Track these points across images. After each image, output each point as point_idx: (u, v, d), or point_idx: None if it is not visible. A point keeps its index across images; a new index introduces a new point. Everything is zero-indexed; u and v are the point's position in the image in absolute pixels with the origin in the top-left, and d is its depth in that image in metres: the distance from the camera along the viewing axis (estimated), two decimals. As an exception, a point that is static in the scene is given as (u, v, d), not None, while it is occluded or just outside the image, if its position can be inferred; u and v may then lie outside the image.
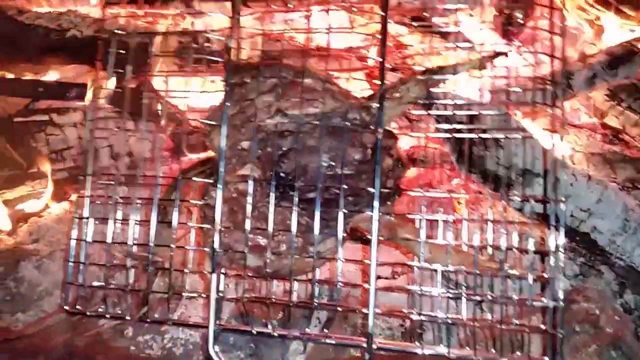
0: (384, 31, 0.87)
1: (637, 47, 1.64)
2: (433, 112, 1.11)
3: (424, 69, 0.93)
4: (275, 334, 0.93)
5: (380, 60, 0.89)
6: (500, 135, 1.19)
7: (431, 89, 0.97)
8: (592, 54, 1.66)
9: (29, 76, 2.02)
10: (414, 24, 1.41)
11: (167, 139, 1.68)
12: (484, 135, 1.16)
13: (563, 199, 0.92)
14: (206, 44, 1.37)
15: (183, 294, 0.97)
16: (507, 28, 1.38)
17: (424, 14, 1.24)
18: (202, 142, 1.24)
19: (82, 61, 1.94)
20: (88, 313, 0.99)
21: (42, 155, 1.70)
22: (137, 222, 0.98)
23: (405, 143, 1.47)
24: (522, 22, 1.44)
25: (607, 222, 1.45)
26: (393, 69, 1.33)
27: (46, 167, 1.71)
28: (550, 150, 1.02)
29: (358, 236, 1.10)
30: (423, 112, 1.17)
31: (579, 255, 1.55)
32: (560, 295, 0.93)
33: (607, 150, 1.70)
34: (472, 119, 1.35)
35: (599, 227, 1.46)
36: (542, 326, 0.94)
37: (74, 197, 1.83)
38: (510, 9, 1.47)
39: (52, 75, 2.02)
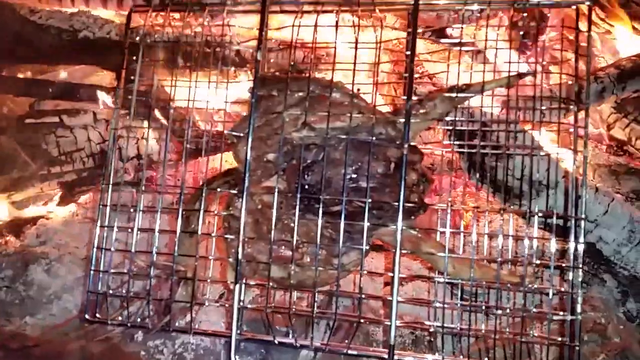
0: (412, 48, 0.89)
1: (646, 61, 1.67)
2: (450, 127, 1.14)
3: (450, 86, 0.94)
4: (298, 344, 0.94)
5: (408, 76, 0.90)
6: (521, 152, 1.21)
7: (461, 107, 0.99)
8: (602, 68, 1.69)
9: (37, 76, 2.02)
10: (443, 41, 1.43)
11: (177, 143, 1.69)
12: (506, 152, 1.18)
13: (584, 216, 0.93)
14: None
15: (205, 303, 0.97)
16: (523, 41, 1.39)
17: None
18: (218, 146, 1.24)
19: (93, 62, 1.94)
20: (109, 322, 0.99)
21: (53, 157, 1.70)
22: (160, 231, 0.99)
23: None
24: (535, 36, 1.46)
25: (613, 233, 1.49)
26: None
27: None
28: (572, 170, 1.04)
29: (377, 245, 1.11)
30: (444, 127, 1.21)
31: (583, 264, 1.58)
32: (579, 309, 0.95)
33: (613, 162, 1.73)
34: (485, 132, 1.38)
35: (605, 238, 1.48)
36: (560, 338, 0.96)
37: (82, 199, 1.84)
38: (525, 24, 1.49)
39: (60, 76, 2.03)
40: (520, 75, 0.93)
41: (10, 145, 1.67)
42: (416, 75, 1.19)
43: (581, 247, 0.96)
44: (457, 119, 1.08)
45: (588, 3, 0.93)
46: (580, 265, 0.95)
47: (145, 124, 1.33)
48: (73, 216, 1.77)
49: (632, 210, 1.51)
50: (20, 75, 2.01)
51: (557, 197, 1.43)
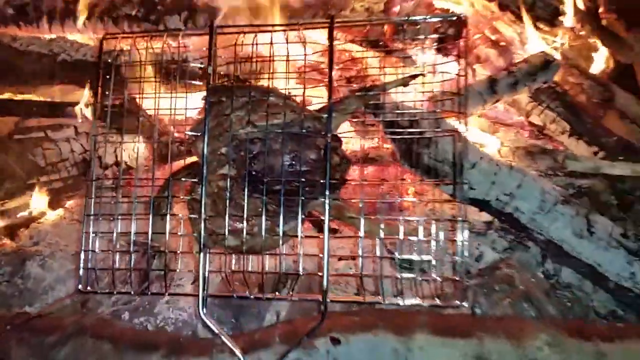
0: (330, 58, 1.14)
1: (552, 56, 1.95)
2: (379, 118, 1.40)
3: (360, 87, 1.19)
4: (252, 296, 1.18)
5: (328, 80, 1.15)
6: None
7: (374, 102, 1.24)
8: (514, 63, 1.96)
9: (18, 97, 2.23)
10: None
11: (150, 149, 1.92)
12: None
13: (465, 181, 1.19)
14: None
15: (177, 269, 1.21)
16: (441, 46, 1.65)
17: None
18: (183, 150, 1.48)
19: (71, 81, 2.16)
20: (99, 291, 1.22)
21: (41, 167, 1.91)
22: (136, 217, 1.22)
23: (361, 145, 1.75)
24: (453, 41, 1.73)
25: (527, 204, 1.70)
26: (348, 82, 1.61)
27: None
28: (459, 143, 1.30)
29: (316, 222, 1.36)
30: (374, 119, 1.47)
31: (508, 233, 1.85)
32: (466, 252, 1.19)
33: (530, 144, 2.01)
34: (412, 123, 1.64)
35: (521, 208, 1.72)
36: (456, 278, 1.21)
37: (68, 204, 2.05)
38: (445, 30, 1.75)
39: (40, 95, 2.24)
40: (412, 77, 1.18)
41: (1, 159, 1.89)
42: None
43: (464, 207, 1.21)
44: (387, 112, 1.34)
45: (463, 16, 1.18)
46: (464, 219, 1.19)
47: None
48: (61, 219, 1.98)
49: (543, 183, 1.77)
50: (4, 97, 2.22)
51: (474, 175, 1.69)
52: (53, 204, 1.97)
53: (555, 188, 1.78)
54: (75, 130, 2.01)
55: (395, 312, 1.29)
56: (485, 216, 1.83)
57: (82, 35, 2.20)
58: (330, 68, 1.16)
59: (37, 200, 1.93)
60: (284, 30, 1.22)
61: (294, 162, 1.20)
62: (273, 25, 1.24)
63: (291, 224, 1.19)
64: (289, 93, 1.23)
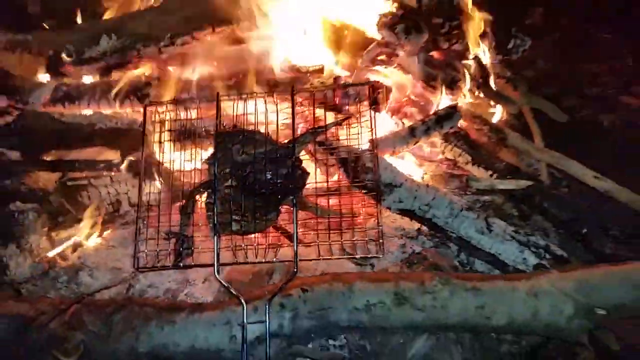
0: (292, 115, 1.89)
1: (453, 110, 2.74)
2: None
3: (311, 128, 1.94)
4: (249, 262, 1.85)
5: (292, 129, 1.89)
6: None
7: (319, 138, 1.99)
8: (428, 115, 2.74)
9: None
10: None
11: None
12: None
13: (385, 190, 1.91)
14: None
15: (199, 248, 1.88)
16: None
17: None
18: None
19: (105, 144, 2.86)
20: (150, 267, 1.88)
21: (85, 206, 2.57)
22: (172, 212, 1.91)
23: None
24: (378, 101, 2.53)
25: (440, 211, 2.40)
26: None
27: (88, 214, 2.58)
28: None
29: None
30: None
31: (434, 237, 2.54)
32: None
33: (444, 172, 2.76)
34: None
35: (437, 214, 2.40)
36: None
37: (105, 233, 2.69)
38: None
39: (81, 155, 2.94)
40: (343, 120, 1.94)
41: (58, 200, 2.55)
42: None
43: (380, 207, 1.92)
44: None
45: (372, 82, 1.95)
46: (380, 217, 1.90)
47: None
48: (100, 245, 2.61)
49: (450, 196, 2.49)
50: (53, 158, 2.91)
51: (401, 192, 2.41)
52: (94, 234, 2.62)
53: (461, 199, 2.51)
54: (110, 179, 2.69)
55: (342, 273, 1.97)
56: (417, 225, 2.53)
57: (113, 110, 2.94)
58: (293, 118, 1.92)
59: (83, 231, 2.58)
60: (263, 97, 1.99)
61: (272, 175, 1.92)
62: (257, 93, 1.99)
63: (272, 215, 1.89)
64: (268, 133, 1.97)
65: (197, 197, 1.93)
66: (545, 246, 2.31)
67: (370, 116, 1.91)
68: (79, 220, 2.57)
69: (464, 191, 2.73)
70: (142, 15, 2.97)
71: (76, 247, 2.55)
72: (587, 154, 2.83)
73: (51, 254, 2.41)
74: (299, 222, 1.85)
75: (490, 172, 2.72)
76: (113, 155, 2.79)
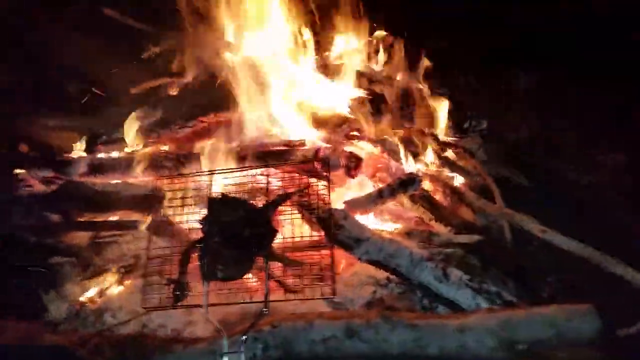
0: (267, 188, 2.43)
1: (415, 176, 3.22)
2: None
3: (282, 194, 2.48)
4: (233, 303, 2.35)
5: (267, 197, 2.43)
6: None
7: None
8: (393, 180, 3.24)
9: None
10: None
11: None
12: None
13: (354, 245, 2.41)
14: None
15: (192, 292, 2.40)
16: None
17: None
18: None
19: (128, 209, 3.45)
20: (153, 307, 2.40)
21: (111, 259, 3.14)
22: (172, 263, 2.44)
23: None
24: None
25: (403, 261, 2.85)
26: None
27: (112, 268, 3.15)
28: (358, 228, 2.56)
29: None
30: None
31: (401, 284, 2.97)
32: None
33: (409, 227, 3.22)
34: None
35: (400, 264, 2.86)
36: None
37: (126, 282, 3.22)
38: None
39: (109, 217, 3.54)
40: (302, 190, 2.47)
41: (89, 254, 3.13)
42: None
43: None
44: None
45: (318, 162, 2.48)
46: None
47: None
48: (122, 292, 3.14)
49: (411, 248, 2.92)
50: (85, 219, 3.51)
51: (368, 245, 2.89)
52: (117, 282, 3.17)
53: (424, 251, 2.94)
54: (132, 237, 3.27)
55: (308, 312, 2.44)
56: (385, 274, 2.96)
57: (135, 180, 3.56)
58: (267, 190, 2.46)
59: (108, 279, 3.14)
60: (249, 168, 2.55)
61: (251, 233, 2.44)
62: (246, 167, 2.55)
63: (247, 265, 2.40)
64: (248, 200, 2.52)
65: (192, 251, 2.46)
66: (497, 292, 2.67)
67: (327, 185, 2.43)
68: (106, 271, 3.13)
69: (428, 244, 3.17)
70: (161, 102, 3.67)
71: (102, 293, 3.10)
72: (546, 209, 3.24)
73: (82, 298, 2.93)
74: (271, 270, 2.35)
75: (449, 228, 3.17)
76: (135, 217, 3.39)
